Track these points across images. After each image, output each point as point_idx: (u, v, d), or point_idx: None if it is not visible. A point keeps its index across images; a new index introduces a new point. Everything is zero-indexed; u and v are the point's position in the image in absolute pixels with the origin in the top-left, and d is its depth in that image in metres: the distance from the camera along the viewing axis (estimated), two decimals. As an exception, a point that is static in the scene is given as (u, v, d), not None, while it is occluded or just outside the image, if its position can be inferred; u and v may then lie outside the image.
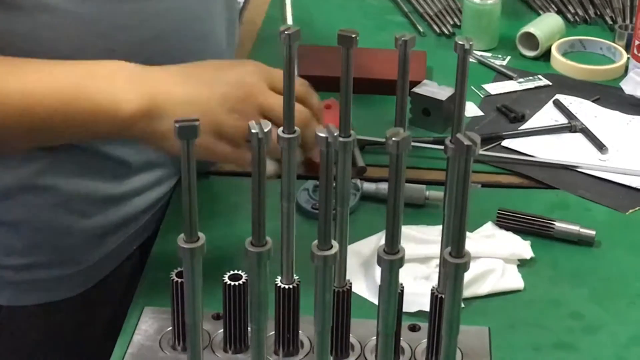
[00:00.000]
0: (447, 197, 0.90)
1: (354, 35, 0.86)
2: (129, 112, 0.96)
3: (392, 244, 0.75)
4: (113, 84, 0.98)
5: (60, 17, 1.00)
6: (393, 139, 0.73)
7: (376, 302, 1.06)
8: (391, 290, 0.76)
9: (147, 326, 0.94)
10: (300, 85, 1.03)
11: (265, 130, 0.75)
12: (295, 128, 0.88)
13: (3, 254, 1.11)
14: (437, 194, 1.23)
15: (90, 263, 1.15)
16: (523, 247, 1.15)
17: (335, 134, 0.75)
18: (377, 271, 1.08)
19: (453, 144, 0.87)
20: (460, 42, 0.85)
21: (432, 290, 0.91)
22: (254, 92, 1.00)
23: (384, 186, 1.25)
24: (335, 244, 0.75)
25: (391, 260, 0.75)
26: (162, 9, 1.08)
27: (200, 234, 0.75)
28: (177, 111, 0.96)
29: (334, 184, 0.85)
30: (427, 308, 0.96)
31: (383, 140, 1.31)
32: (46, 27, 1.00)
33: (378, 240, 1.15)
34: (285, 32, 0.86)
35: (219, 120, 0.98)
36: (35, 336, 1.17)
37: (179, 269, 0.90)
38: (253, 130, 0.75)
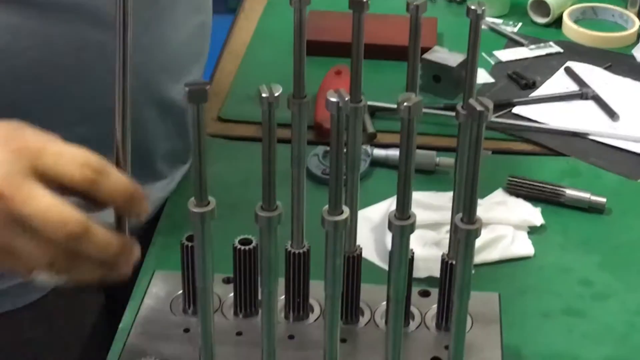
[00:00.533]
0: (458, 163, 0.90)
1: (365, 0, 0.85)
2: None
3: (403, 209, 0.75)
4: None
5: None
6: (405, 103, 0.73)
7: (386, 267, 1.05)
8: (402, 255, 0.75)
9: (158, 290, 0.94)
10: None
11: (276, 95, 0.75)
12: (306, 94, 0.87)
13: None
14: (447, 160, 1.23)
15: None
16: (533, 214, 1.14)
17: (346, 99, 0.75)
18: (387, 237, 1.08)
19: (465, 110, 0.86)
20: (473, 7, 0.85)
21: (442, 256, 0.91)
22: (2, 192, 0.72)
23: (394, 152, 1.25)
24: (346, 209, 0.75)
25: (402, 225, 0.74)
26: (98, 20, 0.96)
27: (211, 198, 0.75)
28: None
29: (345, 150, 0.84)
30: (437, 274, 0.96)
31: (393, 106, 1.32)
32: None
33: (388, 206, 1.15)
34: (296, -4, 0.85)
35: None
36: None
37: (189, 233, 0.90)
38: (263, 95, 0.74)
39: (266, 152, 0.76)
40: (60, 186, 0.74)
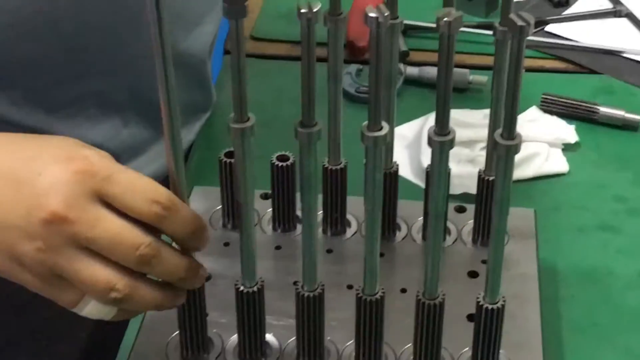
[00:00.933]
0: (495, 80, 0.90)
1: None
2: None
3: (443, 125, 0.75)
4: None
5: None
6: (445, 19, 0.73)
7: (420, 184, 1.07)
8: (441, 171, 0.76)
9: (197, 205, 0.95)
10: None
11: (315, 10, 0.74)
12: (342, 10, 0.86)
13: None
14: (480, 78, 1.23)
15: None
16: (567, 131, 1.15)
17: (386, 14, 0.74)
18: (422, 154, 1.09)
19: (502, 27, 0.86)
20: None
21: (479, 172, 0.92)
22: (67, 215, 0.70)
23: (427, 70, 1.25)
24: (385, 125, 0.75)
25: (442, 141, 0.74)
26: None
27: (250, 115, 0.76)
28: None
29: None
30: (471, 190, 0.97)
31: (426, 24, 1.32)
32: None
33: (422, 123, 1.16)
34: None
35: (16, 246, 0.71)
36: None
37: (227, 150, 0.91)
38: (302, 10, 0.74)
39: (305, 68, 0.76)
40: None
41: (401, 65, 1.25)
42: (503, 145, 0.74)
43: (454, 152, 1.06)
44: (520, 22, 0.71)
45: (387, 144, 0.89)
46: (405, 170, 1.09)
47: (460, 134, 1.11)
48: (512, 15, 0.72)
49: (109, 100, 1.04)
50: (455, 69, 1.21)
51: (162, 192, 0.73)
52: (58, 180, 0.71)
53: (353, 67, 1.25)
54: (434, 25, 0.74)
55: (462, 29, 1.31)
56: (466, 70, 1.24)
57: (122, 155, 1.05)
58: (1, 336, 1.11)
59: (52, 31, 0.94)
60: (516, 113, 0.74)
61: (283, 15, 1.36)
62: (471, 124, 1.13)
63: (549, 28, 1.35)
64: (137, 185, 0.73)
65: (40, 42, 0.94)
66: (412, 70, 1.25)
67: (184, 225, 0.74)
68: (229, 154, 0.91)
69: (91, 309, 0.74)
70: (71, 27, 0.96)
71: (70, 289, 0.73)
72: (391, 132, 0.90)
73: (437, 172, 0.76)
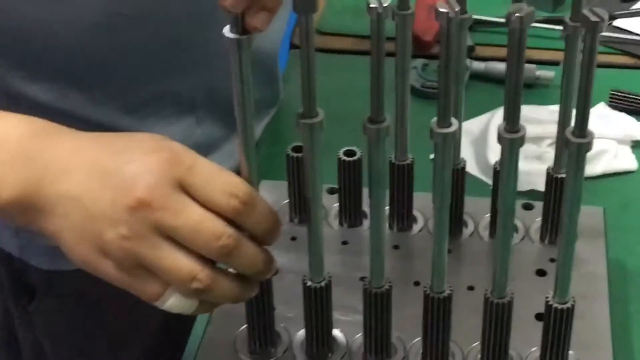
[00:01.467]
0: (565, 76, 0.89)
1: None
2: (6, 199, 0.75)
3: (513, 122, 0.74)
4: None
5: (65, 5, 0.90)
6: (517, 14, 0.72)
7: (487, 180, 1.06)
8: (511, 168, 0.75)
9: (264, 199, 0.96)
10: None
11: (385, 5, 0.74)
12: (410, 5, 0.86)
13: None
14: (547, 73, 1.22)
15: None
16: (636, 128, 1.13)
17: (456, 9, 0.74)
18: (489, 150, 1.08)
19: (573, 22, 0.85)
20: None
21: (547, 170, 0.91)
22: (152, 202, 0.71)
23: (493, 65, 1.24)
24: (454, 122, 0.75)
25: (512, 138, 0.74)
26: None
27: (319, 110, 0.75)
28: (57, 210, 0.73)
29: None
30: (539, 187, 0.96)
31: (493, 19, 1.31)
32: None
33: (488, 119, 1.15)
34: None
35: (101, 235, 0.72)
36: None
37: (295, 144, 0.91)
38: (372, 5, 0.74)
39: (375, 63, 0.75)
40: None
41: (467, 61, 1.24)
42: (574, 142, 0.73)
43: (521, 149, 1.06)
44: (594, 18, 0.70)
45: (456, 140, 0.89)
46: (472, 166, 1.08)
47: (527, 130, 1.10)
48: (586, 11, 0.71)
49: (184, 99, 1.04)
50: (522, 64, 1.21)
51: (241, 187, 0.73)
52: (144, 168, 0.72)
53: (419, 62, 1.24)
54: (501, 20, 0.73)
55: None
56: (533, 66, 1.23)
57: None
58: (78, 334, 1.12)
59: (130, 31, 0.95)
60: (588, 110, 0.74)
61: (349, 9, 1.36)
62: (538, 120, 1.12)
63: (617, 23, 1.34)
64: (218, 178, 0.73)
65: (118, 41, 0.95)
66: (478, 65, 1.24)
67: (260, 220, 0.74)
68: (297, 149, 0.91)
69: (173, 302, 0.74)
70: (148, 27, 0.96)
71: (153, 280, 0.73)
72: (460, 129, 0.90)
73: (507, 169, 0.75)
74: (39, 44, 0.93)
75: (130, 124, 1.01)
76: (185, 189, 0.72)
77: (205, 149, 1.06)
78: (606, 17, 0.71)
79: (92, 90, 0.98)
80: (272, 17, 0.71)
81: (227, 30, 0.72)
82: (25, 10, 0.91)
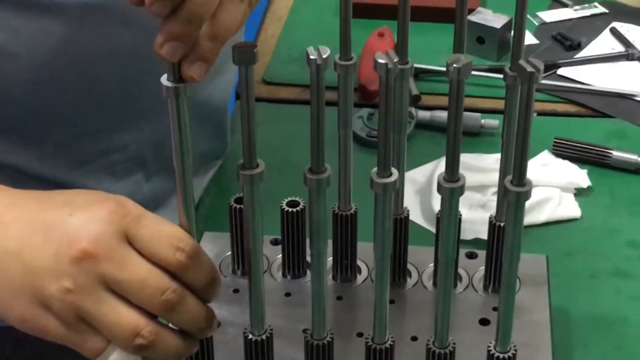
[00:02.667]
0: (505, 125, 0.90)
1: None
2: None
3: (453, 171, 0.74)
4: None
5: (9, 61, 0.90)
6: (454, 65, 0.72)
7: (432, 229, 1.06)
8: (451, 218, 0.75)
9: (207, 251, 0.94)
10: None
11: (324, 56, 0.74)
12: (353, 55, 0.86)
13: None
14: (491, 122, 1.23)
15: None
16: (580, 176, 1.14)
17: (395, 60, 0.74)
18: (433, 199, 1.08)
19: (512, 72, 0.86)
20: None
21: (490, 218, 0.91)
22: (97, 253, 0.70)
23: (438, 114, 1.25)
24: (394, 171, 0.75)
25: (452, 188, 0.74)
26: (125, 20, 0.93)
27: (260, 161, 0.75)
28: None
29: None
30: (483, 236, 0.96)
31: (437, 68, 1.32)
32: None
33: (433, 168, 1.15)
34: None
35: (42, 289, 0.70)
36: None
37: (238, 195, 0.91)
38: (311, 57, 0.74)
39: (315, 115, 0.75)
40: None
41: (412, 109, 1.24)
42: (513, 191, 0.74)
43: (465, 197, 1.06)
44: (529, 68, 0.71)
45: (397, 190, 0.89)
46: (417, 215, 1.08)
47: (472, 178, 1.11)
48: (522, 62, 0.72)
49: (133, 153, 1.03)
50: (467, 113, 1.22)
51: (187, 241, 0.73)
52: (90, 219, 0.71)
53: (364, 111, 1.25)
54: (445, 69, 0.73)
55: (474, 72, 1.32)
56: (478, 115, 1.23)
57: None
58: None
59: (79, 85, 0.94)
60: (526, 159, 0.74)
61: (295, 59, 1.36)
62: (483, 168, 1.12)
63: (561, 71, 1.35)
64: (164, 231, 0.73)
65: (64, 96, 0.95)
66: (423, 114, 1.25)
67: (204, 275, 0.74)
68: (239, 200, 0.90)
69: (115, 358, 0.72)
70: (98, 81, 0.96)
71: (95, 336, 0.71)
72: (401, 178, 0.90)
73: (447, 218, 0.76)
74: None
75: (78, 179, 1.00)
76: (130, 241, 0.71)
77: (152, 204, 1.06)
78: (542, 67, 0.72)
79: (39, 144, 0.97)
80: (208, 68, 0.71)
81: (164, 79, 0.72)
82: None
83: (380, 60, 0.73)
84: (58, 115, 0.96)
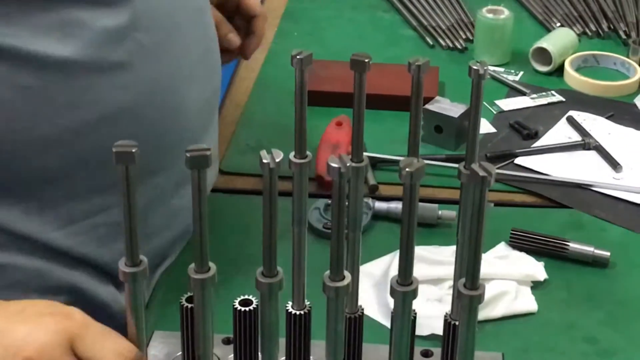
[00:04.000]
0: (460, 221, 0.89)
1: (366, 60, 0.84)
2: None
3: (406, 275, 0.74)
4: None
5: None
6: (407, 169, 0.72)
7: (388, 324, 1.05)
8: (404, 321, 0.75)
9: (157, 351, 0.93)
10: None
11: (277, 160, 0.74)
12: (308, 153, 0.86)
13: None
14: (449, 213, 1.23)
15: None
16: (537, 269, 1.14)
17: (347, 164, 0.74)
18: (389, 294, 1.07)
19: (467, 170, 0.86)
20: (475, 67, 0.84)
21: (445, 317, 0.90)
22: None
23: (395, 205, 1.24)
24: (347, 275, 0.74)
25: (404, 292, 0.74)
26: (120, 83, 0.96)
27: (211, 264, 0.75)
28: None
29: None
30: (439, 331, 0.95)
31: (395, 158, 1.32)
32: None
33: (390, 261, 1.14)
34: (297, 57, 0.84)
35: None
36: None
37: (189, 294, 0.89)
38: (264, 160, 0.74)
39: (267, 219, 0.75)
40: None
41: (370, 200, 1.24)
42: (466, 295, 0.73)
43: (421, 290, 1.04)
44: (482, 173, 0.71)
45: (352, 288, 0.88)
46: (373, 310, 1.07)
47: (429, 271, 1.11)
48: (474, 166, 0.72)
49: (116, 217, 1.03)
50: (425, 204, 1.22)
51: (131, 348, 0.76)
52: (37, 328, 0.74)
53: (321, 202, 1.24)
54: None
55: (431, 162, 1.32)
56: (435, 206, 1.23)
57: None
58: None
59: (67, 146, 0.95)
60: (479, 262, 0.74)
61: (252, 148, 1.36)
62: (439, 261, 1.12)
63: (518, 161, 1.36)
64: (109, 338, 0.76)
65: (55, 156, 0.95)
66: (380, 206, 1.24)
67: None
68: (190, 299, 0.89)
69: None
70: (85, 143, 0.96)
71: None
72: (356, 277, 0.89)
73: (400, 321, 0.75)
74: None
75: (62, 241, 0.99)
76: (75, 350, 0.74)
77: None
78: (494, 171, 0.72)
79: (27, 202, 0.97)
80: None
81: (122, 263, 0.77)
82: None
83: (333, 165, 0.73)
84: (47, 174, 0.96)
